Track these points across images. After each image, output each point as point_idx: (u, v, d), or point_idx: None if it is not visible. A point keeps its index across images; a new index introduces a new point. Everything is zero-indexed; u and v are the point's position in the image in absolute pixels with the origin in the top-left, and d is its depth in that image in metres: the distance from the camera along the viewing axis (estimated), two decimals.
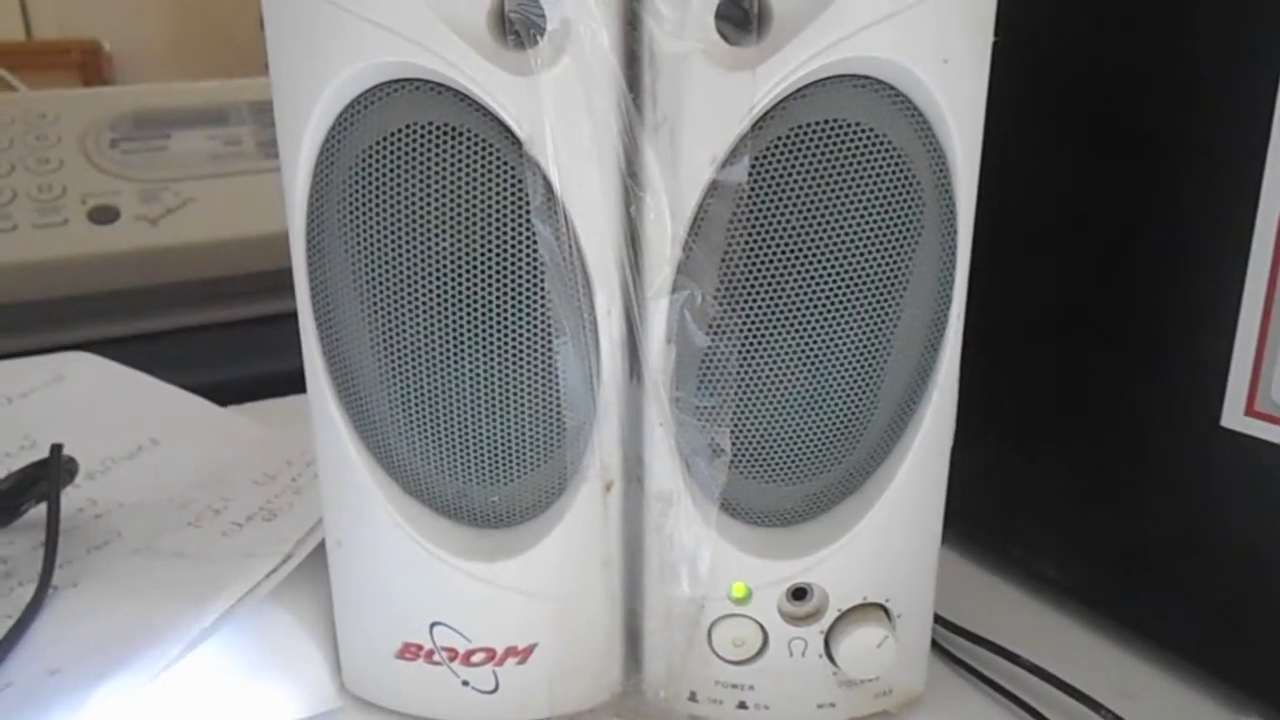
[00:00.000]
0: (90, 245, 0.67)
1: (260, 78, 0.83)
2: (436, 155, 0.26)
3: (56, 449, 0.38)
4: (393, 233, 0.27)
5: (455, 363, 0.28)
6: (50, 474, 0.38)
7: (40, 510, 0.39)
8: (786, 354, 0.28)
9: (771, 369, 0.28)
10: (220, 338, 0.70)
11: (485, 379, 0.28)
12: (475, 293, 0.27)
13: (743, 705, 0.32)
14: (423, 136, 0.26)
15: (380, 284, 0.27)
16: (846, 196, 0.26)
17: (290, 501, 0.39)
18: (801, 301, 0.27)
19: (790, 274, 0.27)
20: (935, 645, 0.34)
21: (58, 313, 0.66)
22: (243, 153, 0.74)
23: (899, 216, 0.27)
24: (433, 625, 0.31)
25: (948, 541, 0.32)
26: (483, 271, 0.27)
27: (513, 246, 0.27)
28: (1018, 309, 0.38)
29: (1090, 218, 0.35)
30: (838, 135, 0.26)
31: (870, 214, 0.27)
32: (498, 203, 0.26)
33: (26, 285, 0.65)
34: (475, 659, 0.31)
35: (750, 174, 0.26)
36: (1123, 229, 0.34)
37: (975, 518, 0.40)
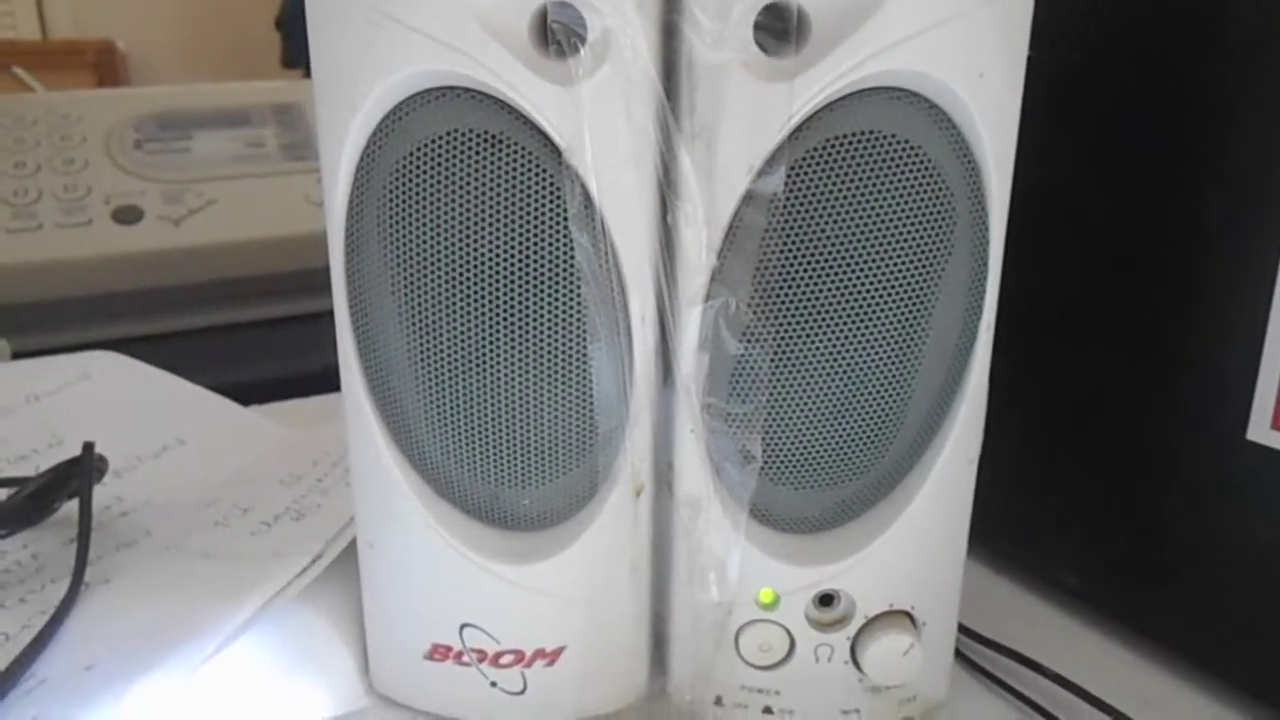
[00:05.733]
0: (114, 245, 0.68)
1: (282, 80, 0.83)
2: (476, 162, 0.26)
3: (89, 447, 0.39)
4: (431, 238, 0.27)
5: (490, 367, 0.28)
6: (83, 472, 0.38)
7: (68, 508, 0.40)
8: (818, 362, 0.28)
9: (803, 376, 0.28)
10: (241, 338, 0.70)
11: (520, 384, 0.28)
12: (511, 298, 0.27)
13: (768, 710, 0.32)
14: (463, 143, 0.26)
15: (417, 288, 0.28)
16: (881, 207, 0.27)
17: (318, 502, 0.40)
18: (834, 310, 0.28)
19: (823, 283, 0.27)
20: (958, 653, 0.34)
21: (82, 312, 0.67)
22: (265, 154, 0.75)
23: (932, 228, 0.27)
24: (462, 627, 0.31)
25: (970, 550, 0.32)
26: (519, 278, 0.27)
27: (549, 253, 0.27)
28: (1042, 320, 0.38)
29: (1117, 231, 0.35)
30: (873, 146, 0.26)
31: (904, 225, 0.27)
32: (536, 210, 0.27)
33: (52, 284, 0.66)
34: (504, 660, 0.31)
35: (786, 184, 0.26)
36: (1149, 242, 0.34)
37: (998, 527, 0.40)
